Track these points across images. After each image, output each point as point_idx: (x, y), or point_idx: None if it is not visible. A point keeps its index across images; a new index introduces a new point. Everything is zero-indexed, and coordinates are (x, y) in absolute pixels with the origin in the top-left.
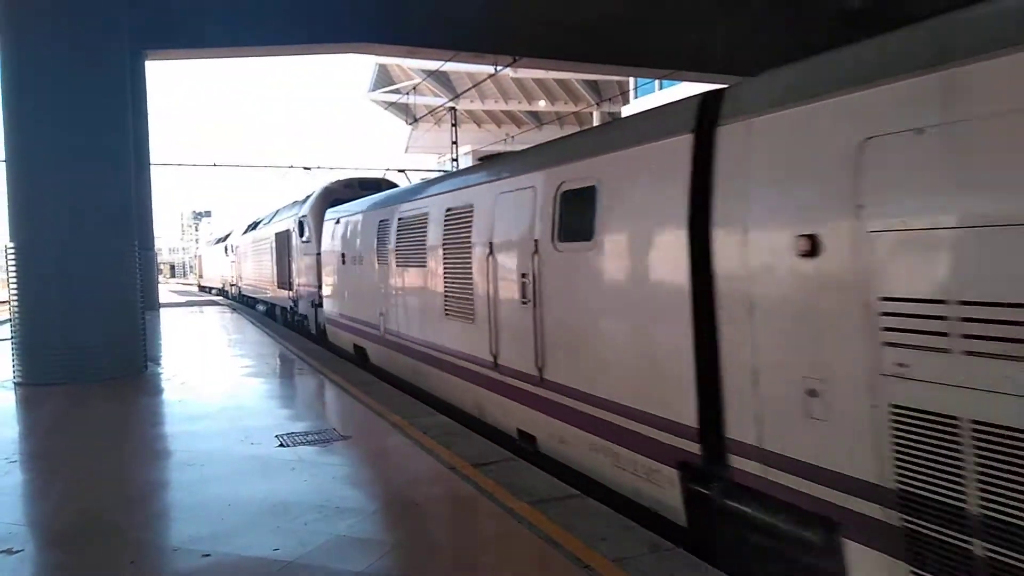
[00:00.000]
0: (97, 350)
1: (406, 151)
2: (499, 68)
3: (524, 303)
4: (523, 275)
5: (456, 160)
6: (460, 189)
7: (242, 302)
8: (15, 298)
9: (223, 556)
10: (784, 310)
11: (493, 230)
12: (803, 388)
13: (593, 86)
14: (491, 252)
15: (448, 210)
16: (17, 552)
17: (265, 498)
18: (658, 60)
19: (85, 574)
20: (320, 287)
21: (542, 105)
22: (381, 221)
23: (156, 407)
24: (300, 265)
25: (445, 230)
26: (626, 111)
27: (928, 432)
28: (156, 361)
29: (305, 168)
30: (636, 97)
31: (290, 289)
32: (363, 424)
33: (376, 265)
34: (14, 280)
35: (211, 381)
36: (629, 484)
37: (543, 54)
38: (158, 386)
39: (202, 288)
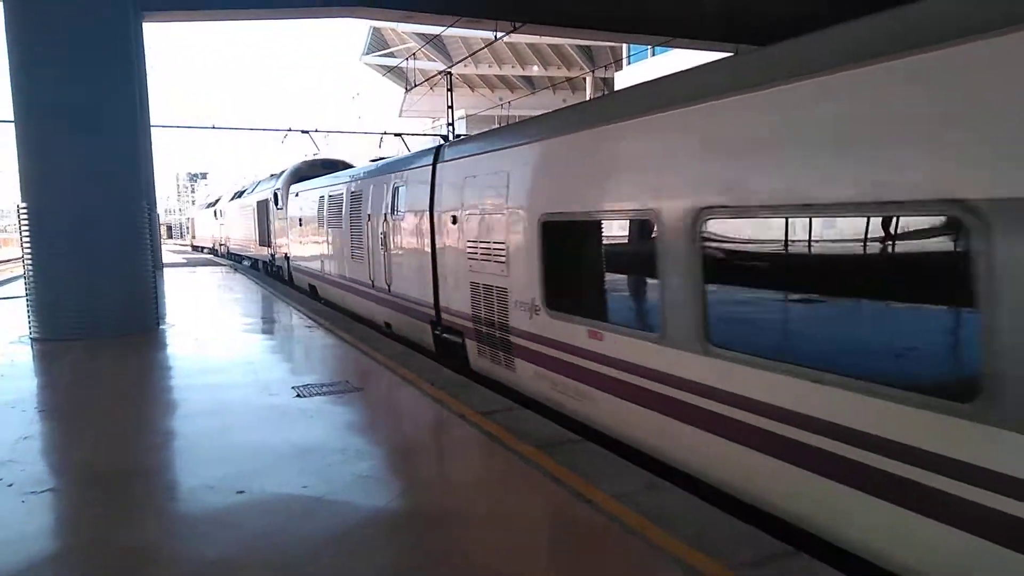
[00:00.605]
0: (111, 307)
1: (400, 115)
2: (499, 35)
3: (382, 249)
4: (382, 233)
5: (452, 125)
6: (358, 180)
7: (229, 258)
8: (28, 257)
9: (256, 493)
10: (449, 248)
11: (371, 207)
12: (455, 280)
13: (586, 52)
14: (369, 219)
15: (352, 193)
16: (58, 492)
17: (289, 443)
18: (656, 27)
19: (126, 510)
20: (289, 245)
21: (535, 71)
22: (320, 197)
23: (172, 361)
24: (276, 228)
25: (351, 206)
26: (619, 78)
27: (477, 290)
28: (165, 319)
29: (303, 131)
30: (629, 64)
31: (269, 247)
32: (373, 377)
33: (319, 228)
34: (27, 239)
35: (222, 336)
36: (419, 338)
37: (545, 20)
38: (172, 342)
39: (195, 248)
